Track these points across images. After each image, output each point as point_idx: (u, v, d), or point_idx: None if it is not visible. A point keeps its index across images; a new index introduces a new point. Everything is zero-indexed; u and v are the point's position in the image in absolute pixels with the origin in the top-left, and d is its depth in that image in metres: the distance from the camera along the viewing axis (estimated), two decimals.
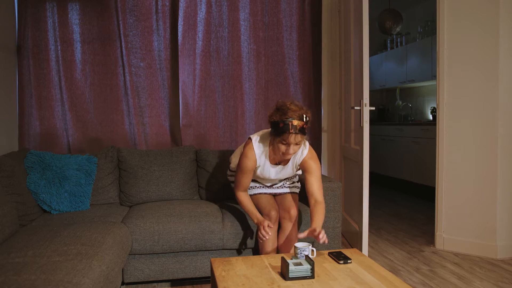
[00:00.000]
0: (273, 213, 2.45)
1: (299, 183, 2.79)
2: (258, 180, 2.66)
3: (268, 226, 2.26)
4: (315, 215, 2.25)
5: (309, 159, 2.38)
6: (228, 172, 2.81)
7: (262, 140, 2.38)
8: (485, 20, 3.02)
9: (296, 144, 2.18)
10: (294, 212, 2.48)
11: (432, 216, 4.12)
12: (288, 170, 2.46)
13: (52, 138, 3.26)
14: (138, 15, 3.31)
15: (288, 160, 2.42)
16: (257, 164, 2.39)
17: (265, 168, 2.43)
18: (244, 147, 2.43)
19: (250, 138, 2.42)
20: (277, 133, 2.17)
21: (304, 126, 2.15)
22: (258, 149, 2.37)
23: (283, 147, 2.20)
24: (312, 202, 2.33)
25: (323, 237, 2.08)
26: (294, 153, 2.23)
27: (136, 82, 3.35)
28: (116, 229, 2.28)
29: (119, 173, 3.04)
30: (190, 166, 3.09)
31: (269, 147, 2.37)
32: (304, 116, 2.16)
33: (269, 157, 2.39)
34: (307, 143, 2.41)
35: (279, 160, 2.39)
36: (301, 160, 2.39)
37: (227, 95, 3.48)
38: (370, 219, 4.09)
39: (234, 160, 2.62)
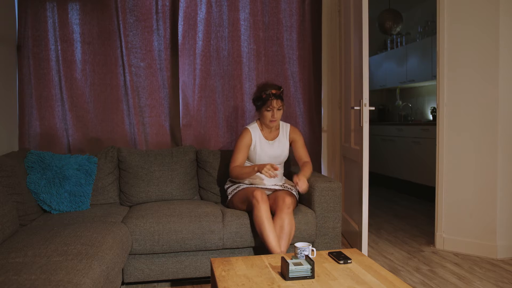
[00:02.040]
0: (257, 192, 2.47)
1: (296, 190, 2.81)
2: (253, 181, 2.75)
3: (271, 166, 2.51)
4: (303, 169, 2.74)
5: (293, 128, 2.90)
6: (228, 183, 2.89)
7: (253, 123, 2.88)
8: (485, 20, 3.02)
9: (278, 109, 2.70)
10: (288, 199, 2.49)
11: (432, 216, 4.11)
12: (282, 141, 2.84)
13: (52, 138, 3.26)
14: (138, 15, 3.32)
15: (277, 134, 2.85)
16: (252, 138, 2.77)
17: (262, 143, 2.78)
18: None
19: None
20: (262, 103, 2.70)
21: (281, 94, 2.71)
22: (251, 127, 2.82)
23: (268, 114, 2.70)
24: (301, 163, 2.84)
25: (302, 184, 2.52)
26: (278, 118, 2.73)
27: (136, 82, 3.35)
28: (116, 229, 2.28)
29: (119, 173, 3.04)
30: (190, 166, 3.09)
31: (257, 123, 2.85)
32: (279, 87, 2.73)
33: (261, 132, 2.81)
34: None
35: (268, 126, 2.79)
36: (288, 128, 2.88)
37: (227, 95, 3.48)
38: (370, 219, 4.09)
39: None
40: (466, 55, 3.10)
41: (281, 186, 2.77)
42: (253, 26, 3.48)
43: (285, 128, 2.89)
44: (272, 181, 2.78)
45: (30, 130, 3.22)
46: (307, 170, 2.73)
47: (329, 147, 3.79)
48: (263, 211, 2.42)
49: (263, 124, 2.83)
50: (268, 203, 2.49)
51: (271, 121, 2.72)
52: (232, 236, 2.54)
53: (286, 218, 2.45)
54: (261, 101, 2.70)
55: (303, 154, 2.86)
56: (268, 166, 2.50)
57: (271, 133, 2.85)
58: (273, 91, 2.67)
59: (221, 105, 3.48)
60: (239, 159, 2.77)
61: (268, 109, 2.69)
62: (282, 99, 2.72)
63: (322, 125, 3.73)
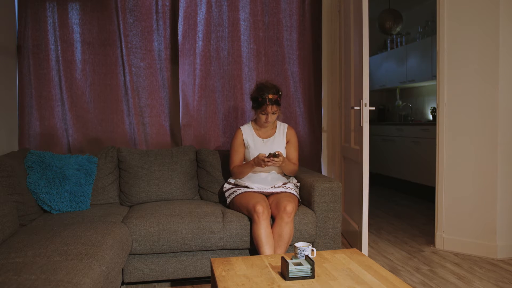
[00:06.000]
0: (259, 207, 2.45)
1: (296, 187, 2.80)
2: (250, 184, 2.74)
3: (265, 157, 2.56)
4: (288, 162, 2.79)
5: (290, 129, 2.91)
6: (226, 186, 2.89)
7: (248, 123, 2.93)
8: (485, 20, 3.02)
9: (273, 113, 2.71)
10: (290, 207, 2.48)
11: (432, 216, 4.11)
12: (278, 139, 2.85)
13: (52, 138, 3.26)
14: (138, 15, 3.32)
15: (273, 132, 2.87)
16: (244, 138, 2.82)
17: (255, 141, 2.82)
18: None
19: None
20: (257, 105, 2.71)
21: (278, 99, 2.71)
22: (243, 126, 2.88)
23: (263, 117, 2.73)
24: None
25: (280, 159, 2.54)
26: (272, 121, 2.76)
27: (136, 82, 3.35)
28: (116, 229, 2.28)
29: (119, 173, 3.04)
30: (190, 166, 3.09)
31: (251, 122, 2.90)
32: (277, 90, 2.72)
33: (254, 131, 2.86)
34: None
35: (262, 126, 2.84)
36: (286, 128, 2.90)
37: (227, 95, 3.48)
38: (370, 219, 4.09)
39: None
40: (466, 55, 3.10)
41: (281, 186, 2.76)
42: (253, 26, 3.48)
43: (282, 128, 2.90)
44: (272, 182, 2.78)
45: (30, 130, 3.22)
46: (289, 163, 2.78)
47: (329, 147, 3.79)
48: (262, 228, 2.42)
49: (257, 123, 2.86)
50: (269, 217, 2.49)
51: (264, 122, 2.77)
52: (232, 237, 2.54)
53: (286, 227, 2.46)
54: (256, 103, 2.72)
55: (293, 156, 2.86)
56: (260, 157, 2.58)
57: (266, 132, 2.87)
58: (270, 96, 2.66)
59: (221, 105, 3.48)
60: (236, 159, 2.84)
61: (263, 112, 2.71)
62: (278, 104, 2.71)
63: (322, 125, 3.73)
